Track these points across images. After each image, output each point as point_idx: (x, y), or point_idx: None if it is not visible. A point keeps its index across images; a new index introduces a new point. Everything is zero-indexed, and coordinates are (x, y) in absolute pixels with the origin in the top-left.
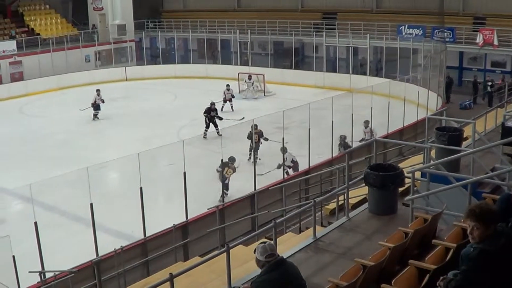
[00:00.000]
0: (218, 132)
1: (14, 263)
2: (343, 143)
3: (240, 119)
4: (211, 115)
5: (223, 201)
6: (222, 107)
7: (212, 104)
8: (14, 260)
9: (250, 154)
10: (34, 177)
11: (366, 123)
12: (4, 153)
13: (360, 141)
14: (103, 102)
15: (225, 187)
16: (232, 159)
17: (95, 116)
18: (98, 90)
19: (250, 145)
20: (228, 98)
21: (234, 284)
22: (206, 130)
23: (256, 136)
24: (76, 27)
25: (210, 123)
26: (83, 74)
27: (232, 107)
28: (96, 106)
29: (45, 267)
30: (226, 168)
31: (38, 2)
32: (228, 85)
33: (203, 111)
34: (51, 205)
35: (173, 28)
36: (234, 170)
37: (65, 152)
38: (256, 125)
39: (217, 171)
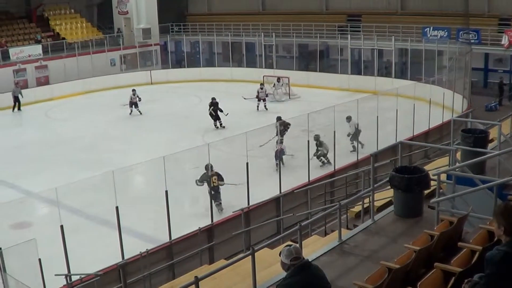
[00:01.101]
0: (215, 125)
1: (41, 266)
2: (319, 143)
3: (225, 115)
4: (214, 108)
5: (221, 211)
6: (258, 106)
7: (213, 99)
8: (40, 263)
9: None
10: (60, 181)
11: (349, 118)
12: (30, 157)
13: (348, 135)
14: (140, 100)
15: (216, 198)
16: (209, 167)
17: (139, 112)
18: (133, 90)
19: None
20: (262, 97)
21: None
22: (215, 122)
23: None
24: (101, 31)
25: (214, 115)
26: (108, 78)
27: (265, 106)
28: (134, 104)
29: (71, 270)
30: (213, 178)
31: (63, 6)
32: (261, 84)
33: (209, 105)
34: (77, 208)
35: (198, 31)
36: (219, 177)
37: (90, 155)
38: (284, 121)
39: (198, 184)
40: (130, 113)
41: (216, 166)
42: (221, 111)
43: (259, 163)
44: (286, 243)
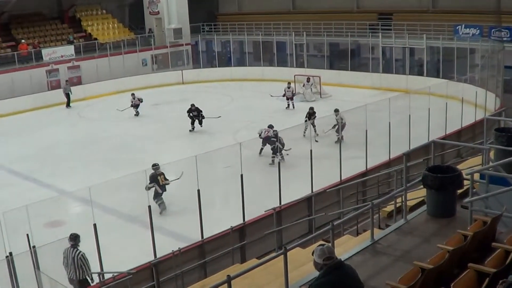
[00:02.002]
0: (195, 128)
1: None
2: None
3: (217, 117)
4: (192, 114)
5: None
6: (288, 104)
7: (192, 105)
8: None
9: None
10: (93, 180)
11: (336, 111)
12: (64, 157)
13: (333, 127)
14: (141, 101)
15: (158, 196)
16: (155, 166)
17: (137, 113)
18: (133, 94)
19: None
20: (289, 96)
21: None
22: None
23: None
24: (133, 32)
25: (195, 120)
26: (140, 77)
27: (293, 105)
28: (135, 106)
29: (104, 268)
30: (161, 177)
31: (95, 7)
32: (289, 83)
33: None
34: (109, 207)
35: (228, 31)
36: (165, 178)
37: (122, 155)
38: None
39: (148, 188)
40: (136, 115)
41: (248, 166)
42: (203, 117)
43: (289, 161)
44: (318, 242)
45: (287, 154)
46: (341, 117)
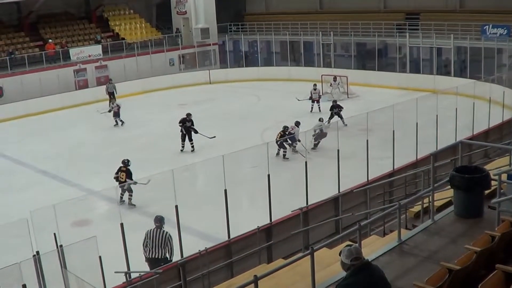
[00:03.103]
0: (192, 148)
1: (101, 263)
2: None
3: (211, 137)
4: (186, 125)
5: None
6: (312, 107)
7: (189, 115)
8: (100, 261)
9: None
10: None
11: (321, 120)
12: (92, 156)
13: (312, 135)
14: (119, 107)
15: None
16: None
17: (121, 122)
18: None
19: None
20: (316, 98)
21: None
22: (183, 144)
23: None
24: (160, 31)
25: (186, 135)
26: (167, 77)
27: (319, 108)
28: (115, 114)
29: (130, 267)
30: (121, 174)
31: (122, 7)
32: (315, 85)
33: (178, 121)
34: (136, 206)
35: (256, 31)
36: (127, 174)
37: (149, 154)
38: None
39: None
40: (116, 125)
41: (275, 165)
42: (195, 131)
43: (316, 162)
44: (345, 243)
45: (308, 152)
46: (321, 126)
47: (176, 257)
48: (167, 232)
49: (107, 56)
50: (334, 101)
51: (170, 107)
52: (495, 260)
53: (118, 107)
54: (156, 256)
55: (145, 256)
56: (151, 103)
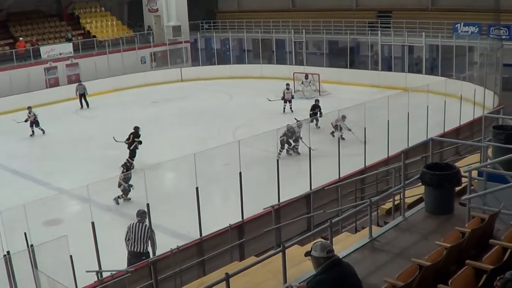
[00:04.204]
0: (130, 165)
1: (72, 262)
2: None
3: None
4: (135, 141)
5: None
6: (284, 108)
7: (137, 128)
8: (71, 260)
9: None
10: (91, 178)
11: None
12: (62, 155)
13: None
14: (35, 118)
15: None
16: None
17: (42, 131)
18: (29, 108)
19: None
20: (288, 98)
21: (289, 283)
22: (130, 161)
23: None
24: (132, 29)
25: (135, 151)
26: (138, 75)
27: (291, 108)
28: (35, 123)
29: (102, 266)
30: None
31: (94, 4)
32: (288, 85)
33: (126, 139)
34: (107, 205)
35: (228, 28)
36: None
37: (121, 153)
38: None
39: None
40: (31, 135)
41: (247, 164)
42: (140, 142)
43: (288, 160)
44: (317, 240)
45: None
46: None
47: None
48: (147, 225)
49: (78, 54)
50: (317, 100)
51: (142, 105)
52: (466, 256)
53: (35, 116)
54: (138, 250)
55: (127, 250)
56: (123, 101)
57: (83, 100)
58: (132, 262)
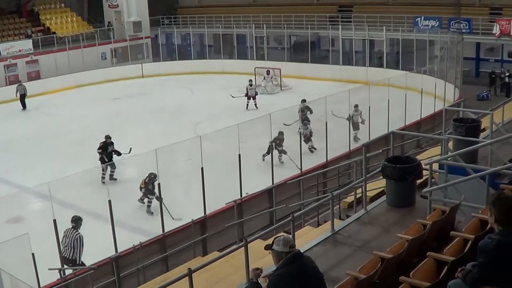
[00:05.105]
0: (112, 175)
1: (34, 260)
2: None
3: (128, 152)
4: (108, 151)
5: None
6: (247, 104)
7: (108, 138)
8: (33, 258)
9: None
10: (53, 175)
11: (356, 107)
12: (23, 152)
13: (347, 118)
14: None
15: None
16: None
17: None
18: None
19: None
20: (252, 94)
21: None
22: (103, 173)
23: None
24: (92, 25)
25: (107, 161)
26: (99, 71)
27: (256, 104)
28: None
29: (64, 264)
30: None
31: (53, 1)
32: (250, 81)
33: (98, 148)
34: (69, 202)
35: (188, 24)
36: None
37: (83, 149)
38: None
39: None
40: None
41: (209, 159)
42: (118, 153)
43: (250, 154)
44: (279, 234)
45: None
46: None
47: (110, 252)
48: (78, 234)
49: (38, 51)
50: (303, 100)
51: (104, 101)
52: (427, 248)
53: None
54: (66, 256)
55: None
56: (83, 97)
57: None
58: (64, 266)
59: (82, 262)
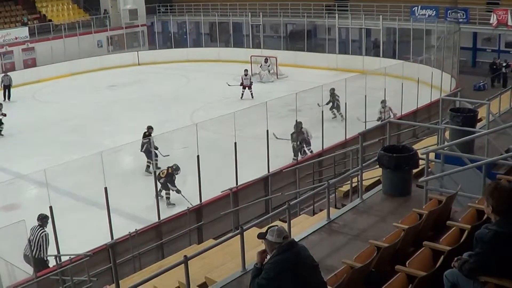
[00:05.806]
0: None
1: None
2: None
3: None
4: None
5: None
6: (242, 94)
7: (150, 128)
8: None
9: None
10: (49, 163)
11: (383, 102)
12: (19, 139)
13: (377, 119)
14: (4, 115)
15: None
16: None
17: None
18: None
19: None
20: (247, 84)
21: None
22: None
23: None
24: (88, 13)
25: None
26: (95, 59)
27: (252, 94)
28: None
29: (60, 251)
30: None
31: None
32: (246, 70)
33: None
34: (66, 190)
35: (184, 12)
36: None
37: (79, 137)
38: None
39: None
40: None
41: (205, 147)
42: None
43: (246, 142)
44: (275, 222)
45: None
46: (390, 108)
47: (107, 239)
48: (44, 232)
49: (34, 39)
50: (332, 89)
51: (99, 89)
52: (423, 237)
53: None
54: (27, 254)
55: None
56: (79, 85)
57: (6, 92)
58: (29, 264)
59: (47, 259)
